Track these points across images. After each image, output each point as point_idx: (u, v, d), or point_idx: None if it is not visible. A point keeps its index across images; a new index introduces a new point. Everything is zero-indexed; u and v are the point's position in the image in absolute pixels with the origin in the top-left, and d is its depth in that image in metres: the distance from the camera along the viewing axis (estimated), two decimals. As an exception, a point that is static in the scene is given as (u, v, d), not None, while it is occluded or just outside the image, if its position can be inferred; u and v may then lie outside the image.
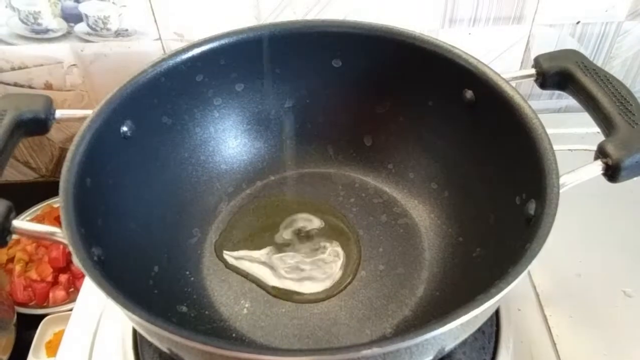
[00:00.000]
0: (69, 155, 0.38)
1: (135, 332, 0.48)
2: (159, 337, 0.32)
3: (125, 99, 0.44)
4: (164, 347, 0.34)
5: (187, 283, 0.48)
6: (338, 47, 0.52)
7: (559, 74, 0.45)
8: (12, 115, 0.39)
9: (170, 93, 0.49)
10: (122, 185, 0.44)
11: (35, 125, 0.41)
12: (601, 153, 0.38)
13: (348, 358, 0.29)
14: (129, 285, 0.34)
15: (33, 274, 0.67)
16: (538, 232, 0.34)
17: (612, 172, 0.38)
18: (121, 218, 0.43)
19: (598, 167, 0.38)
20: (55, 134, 0.75)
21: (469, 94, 0.47)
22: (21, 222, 0.34)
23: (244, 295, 0.48)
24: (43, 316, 0.64)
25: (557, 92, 0.76)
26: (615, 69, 0.74)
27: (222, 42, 0.49)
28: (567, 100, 0.77)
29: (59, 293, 0.67)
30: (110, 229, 0.40)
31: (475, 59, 0.46)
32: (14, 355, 0.60)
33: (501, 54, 0.71)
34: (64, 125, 0.74)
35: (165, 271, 0.46)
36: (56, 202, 0.75)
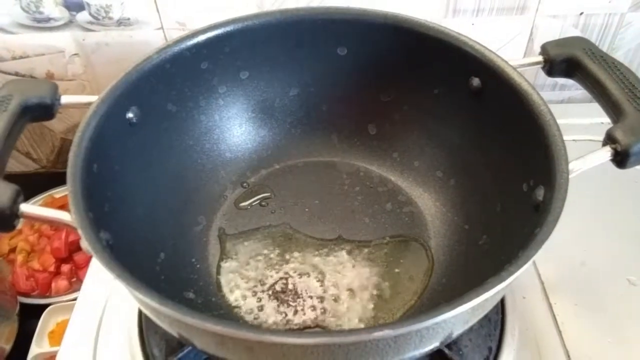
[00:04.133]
0: (75, 140, 0.38)
1: (140, 320, 0.48)
2: (170, 320, 0.32)
3: (130, 85, 0.43)
4: (173, 331, 0.34)
5: (193, 270, 0.47)
6: (343, 34, 0.52)
7: (567, 60, 0.44)
8: (18, 100, 0.39)
9: (175, 80, 0.48)
10: (128, 171, 0.44)
11: (41, 110, 0.41)
12: (610, 139, 0.38)
13: (360, 340, 0.29)
14: (137, 271, 0.34)
15: (35, 264, 0.67)
16: (548, 217, 0.34)
17: (621, 158, 0.38)
18: (127, 204, 0.43)
19: (607, 153, 0.38)
20: (56, 124, 0.75)
21: (475, 81, 0.47)
22: (29, 206, 0.34)
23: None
24: (45, 306, 0.64)
25: (560, 83, 0.76)
26: (618, 60, 0.74)
27: (227, 29, 0.49)
28: (570, 91, 0.78)
29: (62, 283, 0.67)
30: (117, 214, 0.40)
31: (482, 46, 0.46)
32: (17, 344, 0.60)
33: (504, 45, 0.71)
34: (65, 115, 0.74)
35: (172, 258, 0.45)
36: (58, 193, 0.75)
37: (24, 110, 0.40)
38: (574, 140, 0.63)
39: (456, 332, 0.35)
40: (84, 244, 0.33)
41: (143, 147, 0.46)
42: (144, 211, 0.45)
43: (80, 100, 0.43)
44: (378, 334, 0.29)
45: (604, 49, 0.72)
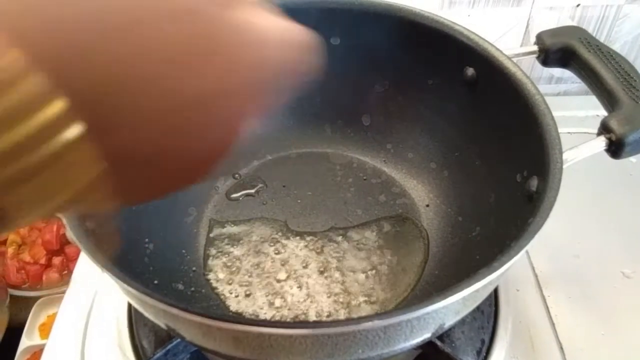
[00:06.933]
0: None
1: (130, 311, 0.48)
2: (156, 311, 0.32)
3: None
4: (160, 322, 0.33)
5: (183, 261, 0.47)
6: (337, 24, 0.51)
7: (562, 50, 0.44)
8: None
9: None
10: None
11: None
12: (604, 129, 0.38)
13: (348, 331, 0.29)
14: (124, 261, 0.33)
15: (26, 256, 0.67)
16: (541, 207, 0.33)
17: (616, 148, 0.37)
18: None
19: (601, 142, 0.37)
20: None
21: (470, 71, 0.46)
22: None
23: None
24: (36, 298, 0.63)
25: (556, 76, 0.76)
26: (614, 53, 0.73)
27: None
28: (567, 85, 0.77)
29: (53, 275, 0.66)
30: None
31: (477, 35, 0.45)
32: (7, 337, 0.60)
33: (501, 36, 0.70)
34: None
35: (161, 249, 0.45)
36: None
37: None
38: (569, 132, 0.63)
39: (448, 323, 0.35)
40: (69, 233, 0.32)
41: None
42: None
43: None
44: (367, 324, 0.28)
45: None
